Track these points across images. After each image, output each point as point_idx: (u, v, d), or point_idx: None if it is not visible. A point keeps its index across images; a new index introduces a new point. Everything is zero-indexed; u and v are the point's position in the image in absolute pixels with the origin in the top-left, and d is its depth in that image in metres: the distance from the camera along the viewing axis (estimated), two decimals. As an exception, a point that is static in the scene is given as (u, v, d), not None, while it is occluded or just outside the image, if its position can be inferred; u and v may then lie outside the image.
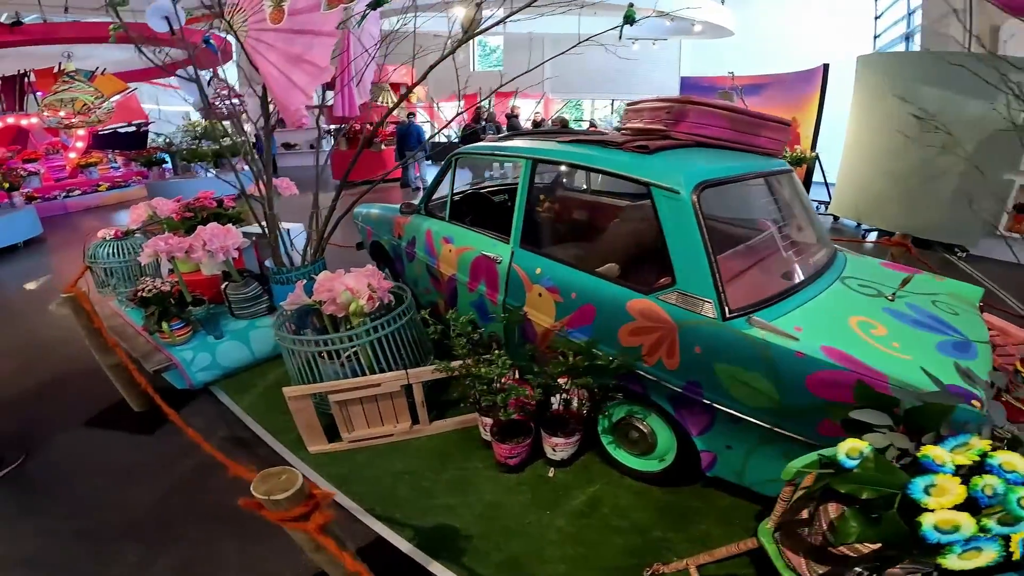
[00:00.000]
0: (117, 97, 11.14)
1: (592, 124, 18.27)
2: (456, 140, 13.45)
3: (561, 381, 2.47)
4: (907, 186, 6.35)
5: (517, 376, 2.76)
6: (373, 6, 3.25)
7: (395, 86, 12.35)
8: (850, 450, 1.29)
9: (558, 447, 2.57)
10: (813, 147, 8.51)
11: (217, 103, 3.42)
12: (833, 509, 1.40)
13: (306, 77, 2.85)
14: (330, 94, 3.76)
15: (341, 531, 1.52)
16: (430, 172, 12.04)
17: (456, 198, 3.54)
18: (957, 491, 1.18)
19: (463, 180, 4.17)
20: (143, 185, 11.74)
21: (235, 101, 3.72)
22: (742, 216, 2.84)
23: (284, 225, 3.84)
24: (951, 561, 1.15)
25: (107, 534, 2.36)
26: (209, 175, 11.18)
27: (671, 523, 2.32)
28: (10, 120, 10.75)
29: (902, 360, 1.78)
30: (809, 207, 2.79)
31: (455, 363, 2.64)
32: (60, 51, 10.12)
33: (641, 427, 2.48)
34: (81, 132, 11.31)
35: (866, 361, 1.75)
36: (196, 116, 13.76)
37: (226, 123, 3.82)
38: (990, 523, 1.15)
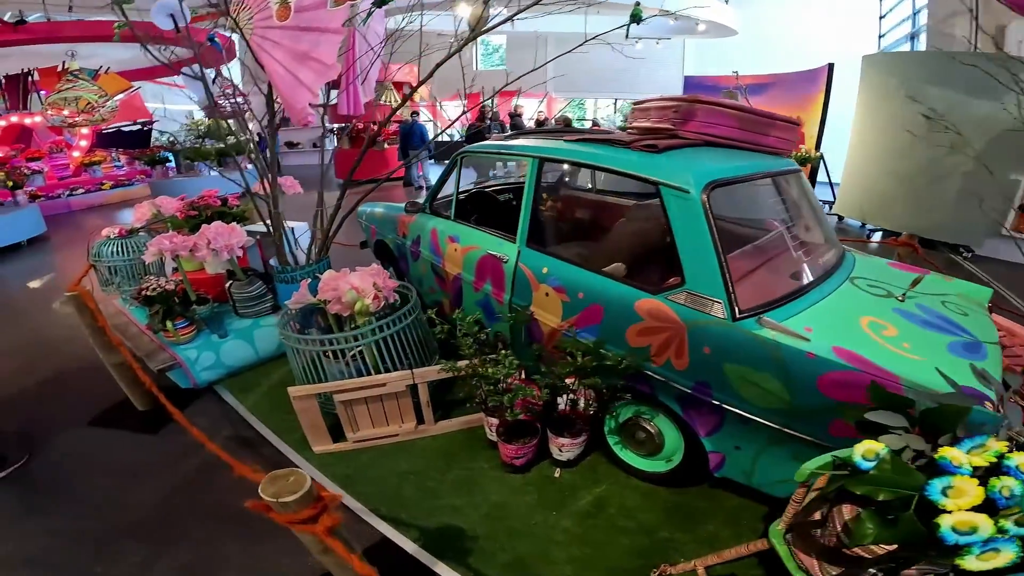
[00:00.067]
0: (121, 96, 11.15)
1: (595, 123, 18.29)
2: (460, 139, 13.46)
3: (569, 381, 2.45)
4: (912, 186, 6.33)
5: (523, 376, 2.75)
6: (378, 4, 3.24)
7: (398, 85, 12.33)
8: (866, 452, 1.28)
9: (564, 447, 2.56)
10: (817, 147, 8.49)
11: (221, 101, 3.40)
12: (847, 511, 1.38)
13: (312, 75, 2.83)
14: (334, 92, 3.74)
15: (347, 532, 1.51)
16: (433, 171, 12.03)
17: (461, 197, 3.52)
18: (975, 492, 1.18)
19: (468, 179, 4.15)
20: (147, 184, 11.77)
21: (239, 100, 3.71)
22: (751, 216, 2.82)
23: (288, 224, 3.83)
24: (969, 562, 1.15)
25: (111, 534, 2.35)
26: (212, 174, 11.20)
27: (678, 524, 2.30)
28: (14, 119, 10.76)
29: (913, 361, 1.77)
30: (817, 207, 2.77)
31: (461, 363, 2.63)
32: (64, 50, 10.13)
33: (648, 428, 2.47)
34: (85, 131, 11.33)
35: (878, 362, 1.73)
36: (199, 115, 13.76)
37: (230, 121, 3.81)
38: (1008, 524, 1.14)
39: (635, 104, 2.90)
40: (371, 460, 2.74)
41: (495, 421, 2.66)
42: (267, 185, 3.55)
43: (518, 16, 2.95)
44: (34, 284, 6.04)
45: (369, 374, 2.76)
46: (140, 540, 2.31)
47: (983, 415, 1.52)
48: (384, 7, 3.39)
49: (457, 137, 15.74)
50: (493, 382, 2.55)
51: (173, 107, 12.32)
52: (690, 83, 11.13)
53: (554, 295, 2.59)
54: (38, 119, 10.90)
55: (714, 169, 2.21)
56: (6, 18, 9.01)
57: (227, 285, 3.75)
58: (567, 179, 4.35)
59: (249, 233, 3.82)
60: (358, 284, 2.69)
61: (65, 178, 10.94)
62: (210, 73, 3.52)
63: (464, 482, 2.57)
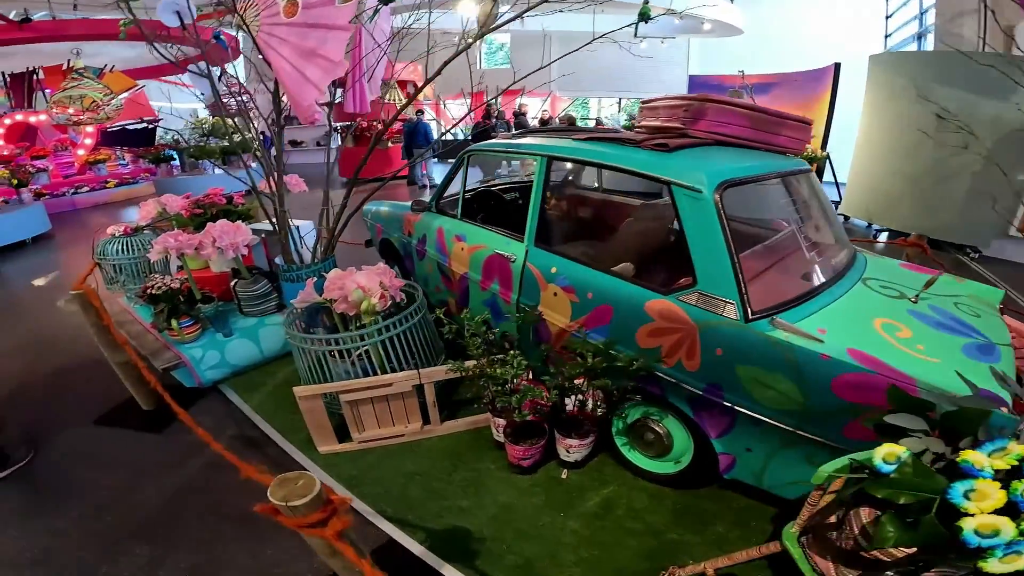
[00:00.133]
0: (125, 94, 11.17)
1: (599, 122, 18.25)
2: (466, 138, 13.44)
3: (578, 382, 2.43)
4: (919, 186, 6.28)
5: (531, 377, 2.73)
6: (384, 1, 3.23)
7: (402, 84, 12.32)
8: (887, 455, 1.26)
9: (572, 448, 2.54)
10: (824, 146, 8.45)
11: (226, 100, 3.39)
12: (865, 514, 1.37)
13: (320, 72, 2.82)
14: (339, 91, 3.73)
15: (354, 534, 1.49)
16: (436, 170, 12.02)
17: (468, 195, 3.50)
18: (997, 495, 1.18)
19: (474, 178, 4.13)
20: (151, 182, 11.79)
21: (244, 98, 3.69)
22: (763, 216, 2.80)
23: (293, 222, 3.81)
24: (992, 565, 1.15)
25: (116, 534, 2.34)
26: (217, 172, 11.21)
27: (687, 525, 2.28)
28: (19, 117, 10.79)
29: (929, 363, 1.75)
30: (828, 207, 2.75)
31: (469, 363, 2.61)
32: (69, 48, 10.15)
33: (657, 429, 2.44)
34: (90, 129, 11.35)
35: (893, 364, 1.71)
36: (204, 113, 13.78)
37: (236, 119, 3.79)
38: (1029, 527, 1.14)
39: (643, 103, 2.87)
40: (377, 460, 2.72)
41: (502, 422, 2.64)
42: (273, 183, 3.53)
43: (528, 13, 2.92)
44: (39, 282, 6.04)
45: (375, 374, 2.74)
46: (146, 540, 2.29)
47: (1002, 418, 1.50)
48: (390, 4, 3.38)
49: (462, 136, 15.73)
50: (501, 383, 2.53)
51: (179, 105, 12.33)
52: (695, 82, 11.09)
53: (563, 295, 2.57)
54: (43, 117, 10.93)
55: (726, 168, 2.18)
56: (11, 16, 9.03)
57: (232, 284, 3.74)
58: (578, 178, 4.32)
59: (254, 231, 3.81)
60: (364, 283, 2.68)
61: (70, 176, 10.99)
62: (216, 71, 3.51)
63: (471, 483, 2.55)
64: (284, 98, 3.35)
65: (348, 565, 1.34)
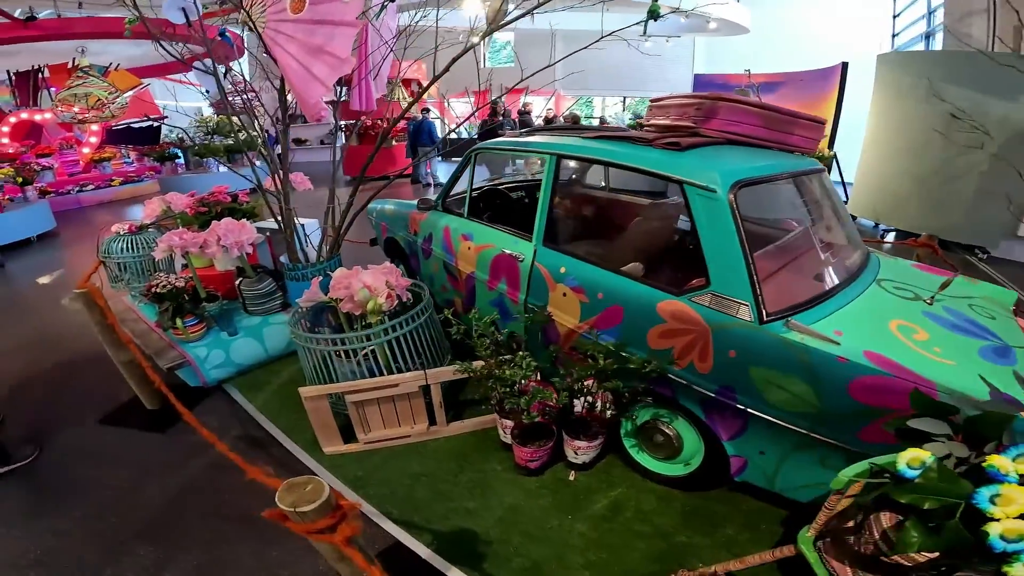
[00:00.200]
0: (131, 92, 11.15)
1: (603, 120, 18.20)
2: (472, 137, 13.40)
3: (588, 384, 2.40)
4: (927, 186, 6.24)
5: (539, 378, 2.70)
6: (390, -1, 3.20)
7: (406, 82, 12.30)
8: (911, 460, 1.24)
9: (580, 450, 2.51)
10: (831, 146, 8.41)
11: (232, 97, 3.36)
12: (887, 518, 1.34)
13: (326, 69, 2.79)
14: (344, 89, 3.70)
15: (361, 538, 1.46)
16: (441, 168, 11.99)
17: (475, 194, 3.47)
18: (1023, 500, 1.17)
19: (481, 176, 4.10)
20: (156, 180, 11.80)
21: (250, 95, 3.67)
22: (776, 216, 2.76)
23: (299, 220, 3.79)
24: (1017, 569, 1.14)
25: (120, 534, 2.32)
26: (222, 170, 11.21)
27: (696, 528, 2.26)
28: (24, 115, 10.79)
29: (947, 366, 1.71)
30: (841, 207, 2.71)
31: (477, 364, 2.58)
32: (74, 46, 10.13)
33: (667, 431, 2.42)
34: (94, 127, 11.34)
35: (911, 367, 1.68)
36: (208, 111, 13.78)
37: (241, 116, 3.77)
38: (1055, 532, 1.12)
39: (653, 101, 2.84)
40: (383, 461, 2.70)
41: (509, 423, 2.61)
42: (278, 181, 3.51)
43: (538, 11, 2.89)
44: (43, 280, 6.04)
45: (380, 374, 2.72)
46: (149, 541, 2.28)
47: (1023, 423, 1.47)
48: (396, 1, 3.35)
49: (466, 135, 15.69)
50: (510, 384, 2.50)
51: (184, 104, 12.34)
52: (700, 81, 11.07)
53: (572, 295, 2.54)
54: (48, 115, 10.92)
55: (740, 168, 2.15)
56: (16, 14, 9.02)
57: (237, 282, 3.72)
58: (587, 177, 4.29)
59: (259, 230, 3.79)
60: (371, 282, 2.65)
61: (75, 174, 11.01)
62: (221, 68, 3.48)
63: (477, 484, 2.53)
64: (290, 96, 3.32)
65: (356, 571, 1.31)
